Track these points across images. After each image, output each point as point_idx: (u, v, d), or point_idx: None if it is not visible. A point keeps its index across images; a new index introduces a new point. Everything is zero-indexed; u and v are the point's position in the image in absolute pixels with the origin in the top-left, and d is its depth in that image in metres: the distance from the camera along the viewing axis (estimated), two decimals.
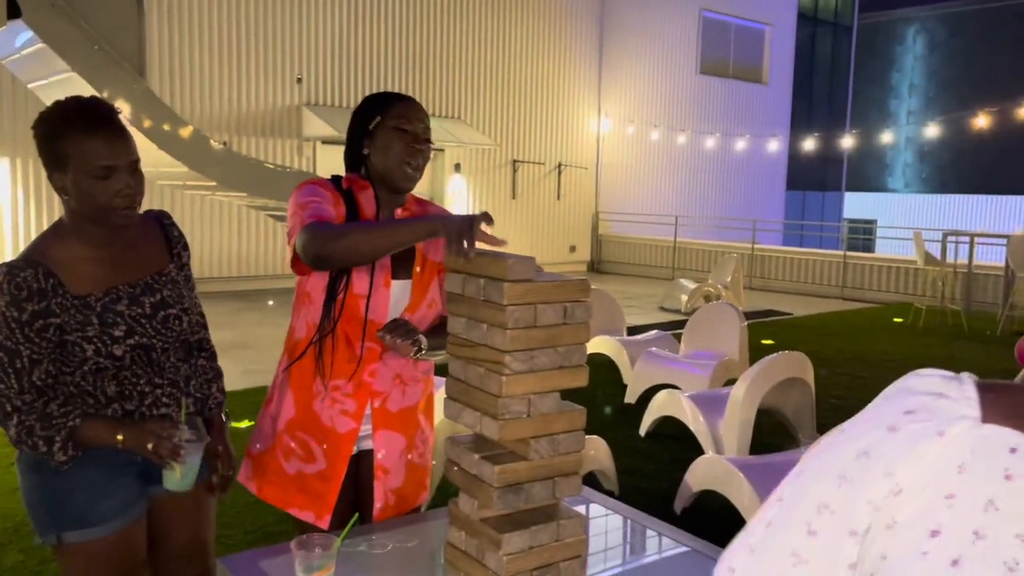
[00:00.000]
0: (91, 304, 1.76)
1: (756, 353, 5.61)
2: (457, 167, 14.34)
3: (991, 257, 12.61)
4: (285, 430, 2.04)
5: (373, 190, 2.02)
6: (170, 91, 11.03)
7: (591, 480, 4.09)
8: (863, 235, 22.08)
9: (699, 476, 3.87)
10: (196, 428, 1.83)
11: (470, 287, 1.46)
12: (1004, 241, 10.90)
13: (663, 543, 1.93)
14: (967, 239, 11.87)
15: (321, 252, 1.77)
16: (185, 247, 1.99)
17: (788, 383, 4.61)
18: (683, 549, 1.86)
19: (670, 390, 5.11)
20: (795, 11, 20.43)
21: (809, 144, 16.55)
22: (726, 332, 6.03)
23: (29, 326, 1.71)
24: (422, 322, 2.01)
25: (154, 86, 10.58)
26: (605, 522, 2.01)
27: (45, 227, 2.36)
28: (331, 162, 11.94)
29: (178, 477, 1.78)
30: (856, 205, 27.72)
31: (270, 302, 10.62)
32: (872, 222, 26.00)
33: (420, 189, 2.11)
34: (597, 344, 6.57)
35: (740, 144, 17.71)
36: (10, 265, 1.72)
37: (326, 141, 12.15)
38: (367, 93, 2.26)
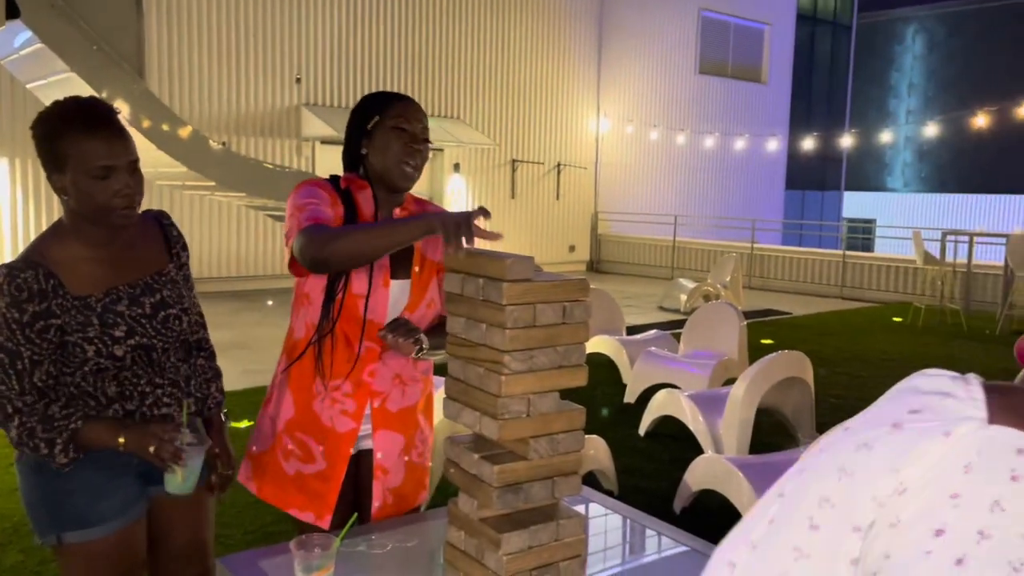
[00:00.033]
0: (91, 305, 1.76)
1: (755, 352, 5.61)
2: (456, 167, 14.33)
3: (990, 256, 12.62)
4: (285, 430, 2.04)
5: (371, 190, 2.02)
6: (169, 91, 11.03)
7: (591, 480, 4.09)
8: (862, 234, 22.09)
9: (698, 476, 3.88)
10: (197, 431, 1.83)
11: (469, 287, 1.46)
12: (1003, 240, 10.91)
13: (662, 543, 1.93)
14: (966, 238, 11.86)
15: (318, 256, 1.76)
16: (184, 247, 1.98)
17: (787, 382, 4.61)
18: (682, 549, 1.86)
19: (669, 390, 5.11)
20: (794, 11, 20.43)
21: (808, 143, 16.54)
22: (725, 332, 6.03)
23: (30, 327, 1.70)
24: (421, 322, 2.01)
25: (153, 86, 10.57)
26: (604, 522, 2.01)
27: (44, 227, 2.35)
28: (330, 162, 11.93)
29: (179, 480, 1.78)
30: (855, 204, 27.72)
31: (269, 302, 10.62)
32: (871, 221, 26.04)
33: (419, 189, 2.11)
34: (596, 344, 6.57)
35: (739, 144, 17.72)
36: (10, 266, 1.72)
37: (325, 141, 12.14)
38: (366, 93, 2.26)
